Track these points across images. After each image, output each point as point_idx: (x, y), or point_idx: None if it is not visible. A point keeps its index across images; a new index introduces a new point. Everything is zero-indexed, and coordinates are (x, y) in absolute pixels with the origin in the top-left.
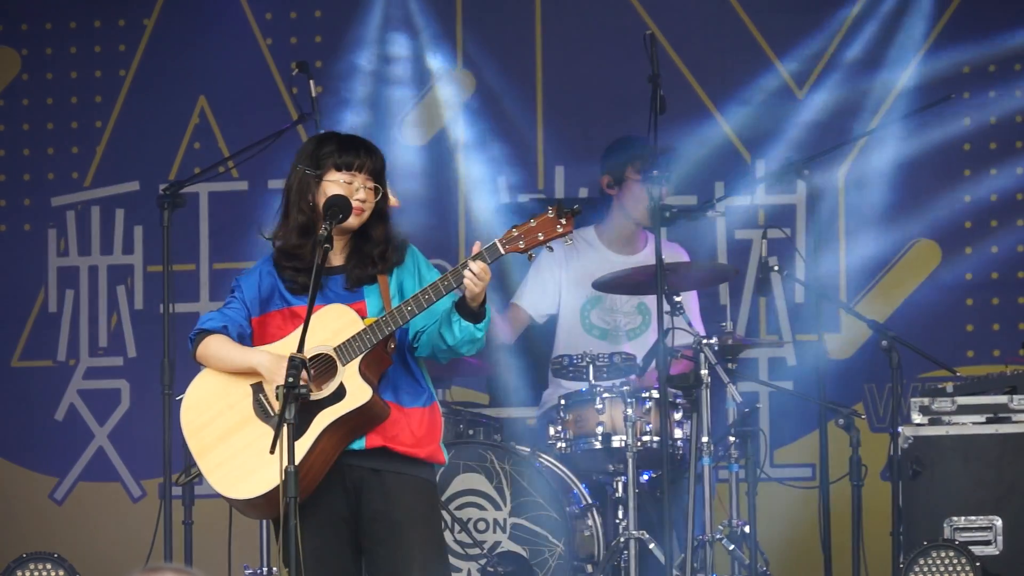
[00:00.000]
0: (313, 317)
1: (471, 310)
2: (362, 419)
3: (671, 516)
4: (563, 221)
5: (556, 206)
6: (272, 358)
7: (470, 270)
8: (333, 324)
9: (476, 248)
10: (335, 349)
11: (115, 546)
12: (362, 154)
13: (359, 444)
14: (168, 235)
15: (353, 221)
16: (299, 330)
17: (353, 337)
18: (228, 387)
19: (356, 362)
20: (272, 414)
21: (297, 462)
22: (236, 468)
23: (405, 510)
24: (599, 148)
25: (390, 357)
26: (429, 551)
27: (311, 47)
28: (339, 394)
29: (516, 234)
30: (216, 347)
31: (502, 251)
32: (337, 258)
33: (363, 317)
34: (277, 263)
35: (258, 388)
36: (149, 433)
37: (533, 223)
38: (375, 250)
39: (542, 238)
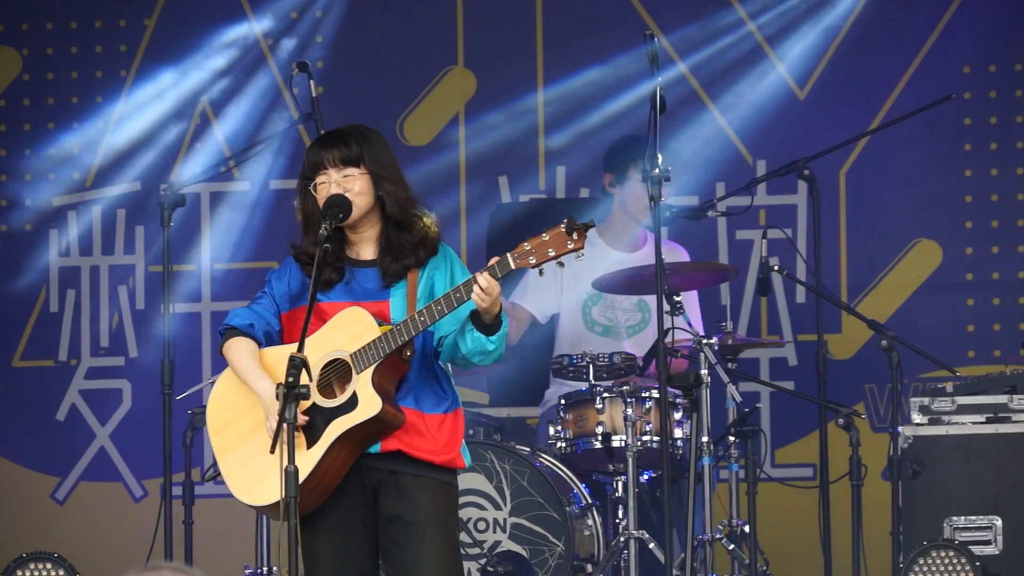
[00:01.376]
0: (332, 320)
1: (483, 322)
2: (373, 429)
3: (671, 516)
4: (574, 236)
5: (568, 221)
6: (272, 395)
7: (477, 284)
8: (351, 328)
9: (493, 263)
10: (351, 356)
11: (116, 546)
12: (324, 148)
13: (375, 448)
14: (169, 235)
15: (353, 214)
16: (320, 331)
17: (368, 345)
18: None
19: (369, 371)
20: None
21: (310, 469)
22: (251, 473)
23: (422, 511)
24: (599, 148)
25: (407, 364)
26: (443, 553)
27: (311, 47)
28: (352, 403)
29: (528, 248)
30: (234, 355)
31: (512, 265)
32: (368, 251)
33: (385, 319)
34: (298, 259)
35: (280, 390)
36: (150, 433)
37: (546, 237)
38: (412, 235)
39: (553, 253)
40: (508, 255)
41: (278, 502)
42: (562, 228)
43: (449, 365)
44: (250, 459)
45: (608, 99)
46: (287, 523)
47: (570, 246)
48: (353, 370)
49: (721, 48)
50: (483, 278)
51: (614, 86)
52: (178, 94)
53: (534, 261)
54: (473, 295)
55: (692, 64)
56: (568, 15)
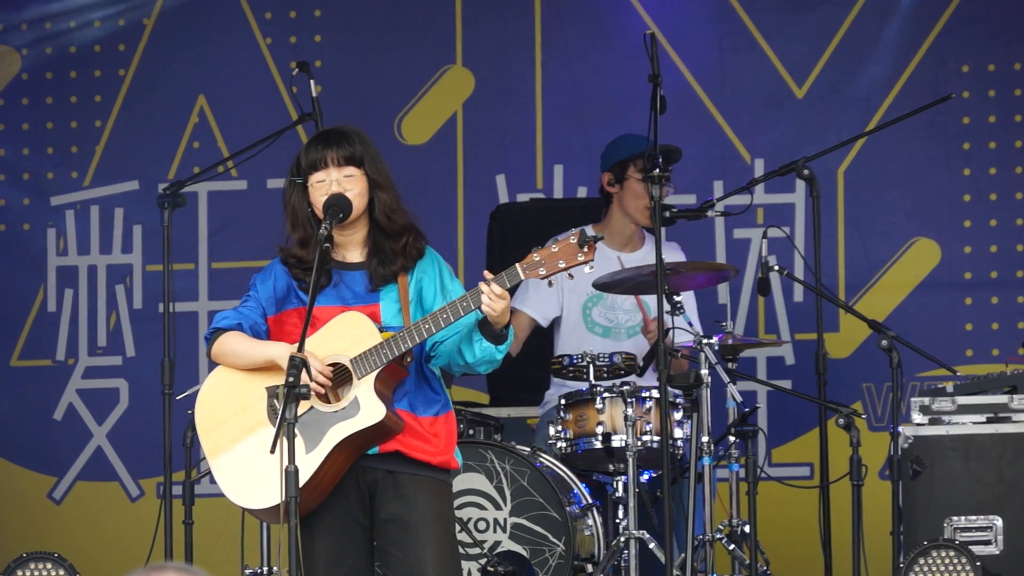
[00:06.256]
0: (330, 323)
1: (494, 331)
2: (374, 435)
3: (671, 516)
4: (585, 249)
5: (578, 233)
6: (291, 350)
7: (486, 293)
8: (350, 332)
9: (502, 273)
10: (351, 361)
11: (114, 546)
12: (327, 146)
13: (372, 449)
14: (168, 235)
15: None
16: (317, 333)
17: (369, 351)
18: (243, 387)
19: (371, 377)
20: None
21: (309, 475)
22: (246, 475)
23: (419, 511)
24: (598, 147)
25: (406, 370)
26: (442, 551)
27: (311, 47)
28: (353, 409)
29: (537, 259)
30: (232, 343)
31: (522, 276)
32: (355, 254)
33: (377, 323)
34: (285, 262)
35: (272, 392)
36: (148, 433)
37: (555, 248)
38: (396, 244)
39: (563, 265)
40: (517, 265)
41: (274, 506)
42: (573, 240)
43: (438, 368)
44: (244, 461)
45: (607, 98)
46: (287, 524)
47: (581, 258)
48: (353, 375)
49: (720, 47)
50: (493, 287)
51: (613, 85)
52: (176, 94)
53: (544, 272)
54: (483, 305)
55: (692, 64)
56: (567, 14)
